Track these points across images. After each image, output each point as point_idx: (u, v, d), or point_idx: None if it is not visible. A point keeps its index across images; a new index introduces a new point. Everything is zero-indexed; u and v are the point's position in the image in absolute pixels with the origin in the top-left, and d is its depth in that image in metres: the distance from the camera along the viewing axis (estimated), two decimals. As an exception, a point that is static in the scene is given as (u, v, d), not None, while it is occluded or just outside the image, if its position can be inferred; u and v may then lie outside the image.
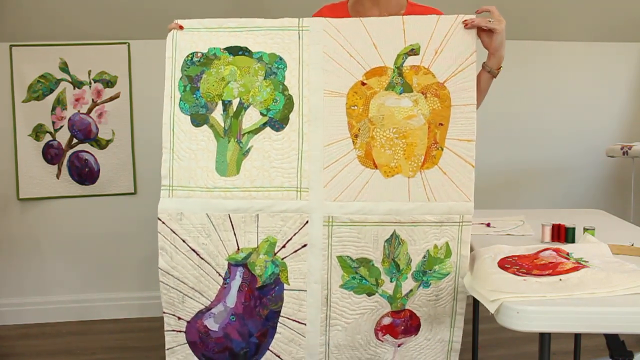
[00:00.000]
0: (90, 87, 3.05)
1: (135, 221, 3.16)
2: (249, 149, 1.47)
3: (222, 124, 1.48)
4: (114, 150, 3.10)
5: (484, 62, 1.52)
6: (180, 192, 1.47)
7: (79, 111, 3.05)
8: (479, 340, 2.20)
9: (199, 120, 1.48)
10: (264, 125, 1.47)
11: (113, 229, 3.16)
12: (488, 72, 1.52)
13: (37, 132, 3.03)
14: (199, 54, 1.48)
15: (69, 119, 3.05)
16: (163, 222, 1.47)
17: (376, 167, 1.47)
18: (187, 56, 1.48)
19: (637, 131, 3.43)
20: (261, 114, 1.47)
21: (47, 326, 3.07)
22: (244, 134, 1.48)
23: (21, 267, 3.13)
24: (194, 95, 1.48)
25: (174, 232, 1.47)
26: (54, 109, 3.03)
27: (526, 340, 2.64)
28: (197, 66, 1.48)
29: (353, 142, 1.46)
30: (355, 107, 1.46)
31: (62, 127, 3.05)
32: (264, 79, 1.47)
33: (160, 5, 2.85)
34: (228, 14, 2.85)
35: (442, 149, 1.45)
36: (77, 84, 3.04)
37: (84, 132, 3.07)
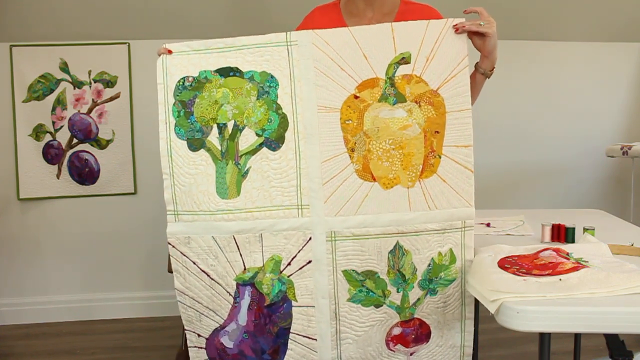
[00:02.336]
0: (90, 87, 3.05)
1: (135, 221, 3.16)
2: (248, 170, 1.47)
3: (219, 147, 1.47)
4: (114, 150, 3.10)
5: (476, 63, 1.50)
6: (185, 216, 1.48)
7: (79, 111, 3.05)
8: (479, 340, 2.20)
9: (195, 144, 1.47)
10: (261, 145, 1.47)
11: (113, 229, 3.17)
12: (482, 74, 1.51)
13: (37, 132, 3.03)
14: (190, 79, 1.46)
15: (69, 119, 3.05)
16: (173, 246, 1.49)
17: (375, 179, 1.45)
18: (179, 81, 1.46)
19: (637, 131, 3.43)
20: (257, 134, 1.46)
21: (47, 326, 3.07)
22: (241, 155, 1.47)
23: (21, 267, 3.13)
24: (189, 120, 1.46)
25: (184, 255, 1.49)
26: (54, 109, 3.03)
27: (526, 340, 2.64)
28: (189, 91, 1.46)
29: (350, 156, 1.45)
30: (350, 121, 1.45)
31: (62, 127, 3.05)
32: (257, 99, 1.46)
33: (160, 5, 2.85)
34: (228, 14, 2.85)
35: (440, 157, 1.44)
36: (77, 84, 3.04)
37: (84, 132, 3.07)
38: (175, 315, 3.01)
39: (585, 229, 1.62)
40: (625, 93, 3.41)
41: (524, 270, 1.26)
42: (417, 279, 1.49)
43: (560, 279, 1.19)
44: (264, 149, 1.46)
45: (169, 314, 3.14)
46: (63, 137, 3.06)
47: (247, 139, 1.47)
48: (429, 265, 1.48)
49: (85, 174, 3.09)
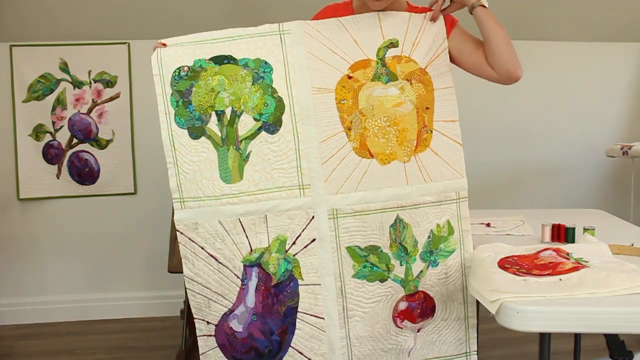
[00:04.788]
0: (90, 87, 3.05)
1: (135, 221, 3.16)
2: (249, 154, 1.51)
3: (219, 134, 1.50)
4: (114, 150, 3.10)
5: (471, 11, 1.48)
6: (191, 203, 1.52)
7: (79, 111, 3.05)
8: (479, 340, 2.20)
9: (196, 132, 1.51)
10: (259, 129, 1.50)
11: (113, 229, 3.16)
12: (475, 7, 1.46)
13: (37, 132, 3.03)
14: (185, 68, 1.49)
15: (69, 119, 3.05)
16: (181, 233, 1.52)
17: (372, 156, 1.50)
18: (174, 71, 1.50)
19: (637, 131, 3.43)
20: (254, 119, 1.50)
21: (47, 326, 3.07)
22: (241, 140, 1.51)
23: (21, 267, 3.13)
24: (188, 109, 1.50)
25: (192, 241, 1.52)
26: (54, 109, 3.03)
27: (526, 340, 2.64)
28: (185, 80, 1.50)
29: (347, 135, 1.50)
30: (345, 101, 1.49)
31: (62, 127, 3.05)
32: (252, 84, 1.49)
33: (160, 5, 2.85)
34: (228, 15, 2.85)
35: (432, 132, 1.51)
36: (77, 84, 3.04)
37: (84, 132, 3.07)
38: (175, 315, 3.01)
39: (585, 229, 1.62)
40: (625, 93, 3.41)
41: (524, 270, 1.26)
42: (418, 251, 1.53)
43: (560, 279, 1.19)
44: (263, 133, 1.50)
45: (169, 314, 3.14)
46: (63, 137, 3.06)
47: (246, 124, 1.50)
48: (428, 237, 1.53)
49: (85, 174, 3.09)
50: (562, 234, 1.61)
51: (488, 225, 1.86)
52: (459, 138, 1.53)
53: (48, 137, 3.05)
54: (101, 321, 3.13)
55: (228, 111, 1.50)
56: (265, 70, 1.49)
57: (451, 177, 1.53)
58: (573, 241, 1.59)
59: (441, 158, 1.52)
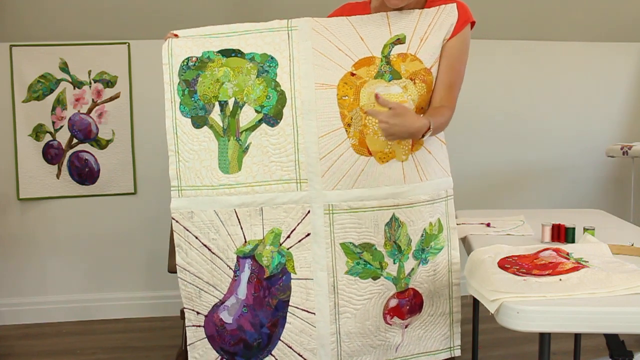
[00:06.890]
0: (90, 87, 3.05)
1: (135, 221, 3.16)
2: (248, 145, 1.51)
3: (221, 124, 1.52)
4: (114, 150, 3.10)
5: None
6: (188, 191, 1.52)
7: (79, 111, 3.05)
8: (479, 340, 2.20)
9: (199, 122, 1.52)
10: (260, 121, 1.51)
11: (113, 229, 3.16)
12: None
13: (37, 132, 3.03)
14: (194, 59, 1.52)
15: (69, 119, 3.04)
16: (177, 221, 1.53)
17: (371, 154, 1.50)
18: (183, 61, 1.52)
19: (637, 131, 3.43)
20: (256, 111, 1.51)
21: (47, 326, 3.07)
22: (242, 131, 1.51)
23: (21, 267, 3.13)
24: (192, 99, 1.52)
25: (187, 230, 1.53)
26: (54, 109, 3.03)
27: (526, 340, 2.64)
28: (192, 70, 1.51)
29: (346, 131, 1.49)
30: (346, 97, 1.49)
31: (62, 127, 3.05)
32: (257, 77, 1.51)
33: (160, 5, 2.85)
34: (228, 15, 2.85)
35: None
36: (77, 84, 3.04)
37: (84, 132, 3.06)
38: (175, 315, 3.01)
39: (585, 229, 1.62)
40: (625, 93, 3.41)
41: (524, 270, 1.26)
42: (411, 249, 1.54)
43: (560, 279, 1.19)
44: (263, 125, 1.51)
45: (169, 314, 3.14)
46: (63, 137, 3.06)
47: (247, 115, 1.51)
48: (422, 235, 1.54)
49: (85, 174, 3.09)
50: (562, 234, 1.60)
51: (488, 225, 1.86)
52: (444, 137, 1.57)
53: (48, 137, 3.05)
54: (101, 321, 3.13)
55: (231, 102, 1.51)
56: (271, 64, 1.50)
57: (441, 176, 1.56)
58: (573, 241, 1.58)
59: (433, 157, 1.54)
